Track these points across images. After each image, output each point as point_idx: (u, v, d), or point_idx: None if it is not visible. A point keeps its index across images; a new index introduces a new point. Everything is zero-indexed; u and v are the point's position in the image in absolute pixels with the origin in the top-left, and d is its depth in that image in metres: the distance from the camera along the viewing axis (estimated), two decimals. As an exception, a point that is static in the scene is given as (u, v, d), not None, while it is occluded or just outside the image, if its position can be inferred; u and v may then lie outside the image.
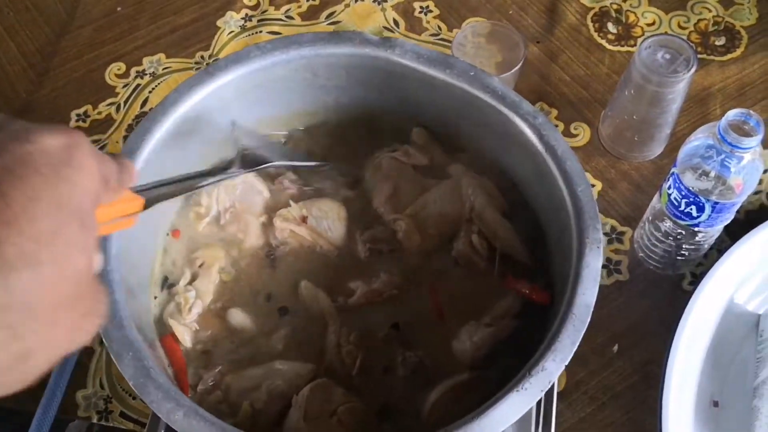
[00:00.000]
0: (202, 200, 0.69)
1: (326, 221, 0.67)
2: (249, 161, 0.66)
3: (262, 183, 0.72)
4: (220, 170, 0.64)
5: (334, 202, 0.70)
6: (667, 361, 0.72)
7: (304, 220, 0.68)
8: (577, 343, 0.51)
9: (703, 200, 0.69)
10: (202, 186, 0.61)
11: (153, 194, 0.51)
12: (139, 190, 0.49)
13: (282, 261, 0.69)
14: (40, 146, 0.35)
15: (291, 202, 0.69)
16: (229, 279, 0.69)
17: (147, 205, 0.48)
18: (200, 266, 0.68)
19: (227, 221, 0.70)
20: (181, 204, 0.72)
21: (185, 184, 0.58)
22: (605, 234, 0.84)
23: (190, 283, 0.68)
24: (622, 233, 0.85)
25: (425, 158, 0.73)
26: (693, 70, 0.77)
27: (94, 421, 0.75)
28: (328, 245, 0.68)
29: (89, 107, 0.96)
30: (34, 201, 0.33)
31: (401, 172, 0.71)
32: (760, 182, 0.88)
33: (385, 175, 0.71)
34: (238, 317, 0.66)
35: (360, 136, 0.75)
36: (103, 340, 0.54)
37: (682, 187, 0.70)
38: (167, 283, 0.69)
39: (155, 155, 0.62)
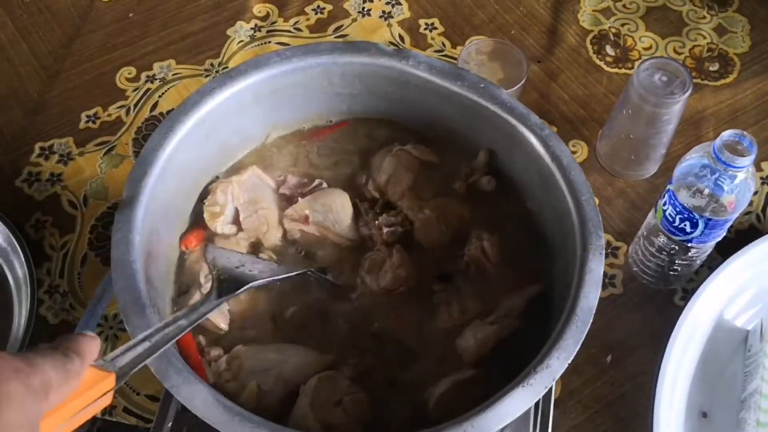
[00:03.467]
0: (217, 198, 0.70)
1: (331, 214, 0.69)
2: (227, 287, 0.61)
3: (267, 176, 0.73)
4: (193, 309, 0.57)
5: (336, 193, 0.71)
6: (658, 372, 0.74)
7: (306, 219, 0.69)
8: (580, 343, 0.53)
9: (697, 217, 0.71)
10: (182, 334, 0.53)
11: (125, 361, 0.46)
12: (109, 361, 0.45)
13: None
14: None
15: (299, 199, 0.70)
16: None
17: (120, 378, 0.44)
18: None
19: (246, 216, 0.70)
20: (195, 205, 0.73)
21: (161, 337, 0.51)
22: (600, 248, 0.87)
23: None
24: (617, 248, 0.87)
25: (436, 157, 0.75)
26: (689, 92, 0.80)
27: (98, 416, 0.76)
28: (337, 237, 0.70)
29: (99, 109, 0.97)
30: None
31: (420, 168, 0.74)
32: (751, 203, 0.91)
33: (405, 167, 0.73)
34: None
35: (365, 147, 0.77)
36: (126, 326, 0.55)
37: (677, 203, 0.72)
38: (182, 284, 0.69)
39: (175, 153, 0.64)
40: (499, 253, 0.67)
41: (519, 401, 0.51)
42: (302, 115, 0.74)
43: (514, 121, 0.65)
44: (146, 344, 0.49)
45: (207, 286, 0.66)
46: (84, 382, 0.41)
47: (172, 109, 0.77)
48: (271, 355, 0.62)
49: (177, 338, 0.52)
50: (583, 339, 0.53)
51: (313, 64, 0.68)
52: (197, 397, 0.52)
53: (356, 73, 0.69)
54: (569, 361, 0.53)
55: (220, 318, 0.65)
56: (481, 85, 0.66)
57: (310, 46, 0.68)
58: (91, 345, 0.42)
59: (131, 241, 0.58)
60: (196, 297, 0.66)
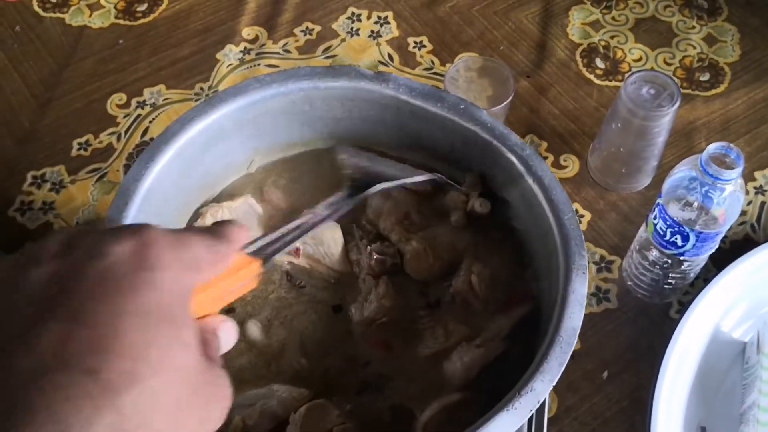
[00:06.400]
0: (206, 222, 0.69)
1: (322, 247, 0.68)
2: (358, 186, 0.63)
3: (259, 206, 0.72)
4: (329, 206, 0.59)
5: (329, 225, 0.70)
6: (654, 387, 0.73)
7: (297, 252, 0.69)
8: (564, 364, 0.53)
9: (688, 230, 0.71)
10: (314, 228, 0.56)
11: (268, 251, 0.49)
12: (255, 250, 0.48)
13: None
14: (113, 258, 0.34)
15: None
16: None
17: (265, 262, 0.47)
18: None
19: None
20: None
21: (298, 231, 0.53)
22: (595, 263, 0.86)
23: None
24: (611, 262, 0.87)
25: (429, 186, 0.74)
26: (677, 104, 0.80)
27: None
28: (326, 270, 0.69)
29: (90, 136, 0.98)
30: (117, 317, 0.33)
31: (411, 201, 0.73)
32: (745, 213, 0.90)
33: (396, 200, 0.72)
34: (255, 331, 0.67)
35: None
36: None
37: (667, 217, 0.72)
38: None
39: (158, 183, 0.63)
40: (487, 289, 0.66)
41: (503, 426, 0.51)
42: (285, 141, 0.74)
43: (495, 142, 0.65)
44: (288, 236, 0.52)
45: None
46: (233, 265, 0.42)
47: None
48: (255, 391, 0.62)
49: (311, 229, 0.55)
50: (567, 360, 0.53)
51: (294, 89, 0.68)
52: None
53: (337, 96, 0.69)
54: (554, 383, 0.52)
55: None
56: (461, 106, 0.66)
57: (290, 72, 0.68)
58: (240, 232, 0.43)
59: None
60: None
